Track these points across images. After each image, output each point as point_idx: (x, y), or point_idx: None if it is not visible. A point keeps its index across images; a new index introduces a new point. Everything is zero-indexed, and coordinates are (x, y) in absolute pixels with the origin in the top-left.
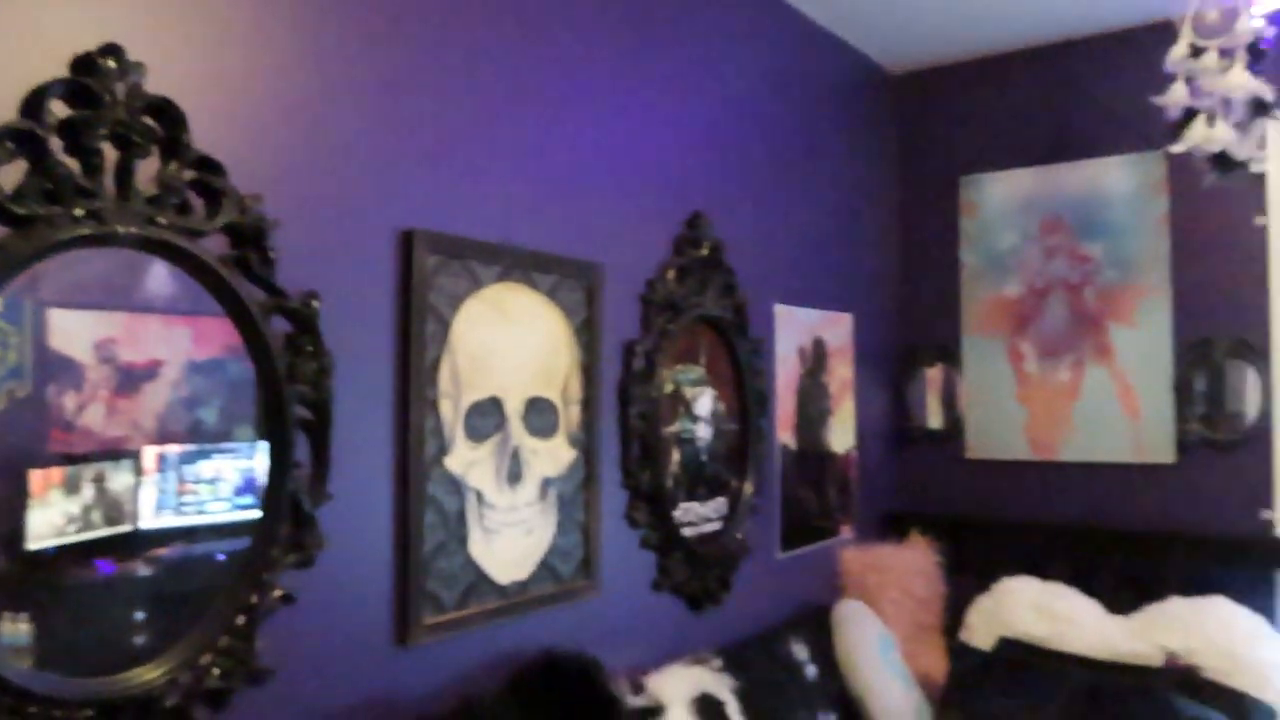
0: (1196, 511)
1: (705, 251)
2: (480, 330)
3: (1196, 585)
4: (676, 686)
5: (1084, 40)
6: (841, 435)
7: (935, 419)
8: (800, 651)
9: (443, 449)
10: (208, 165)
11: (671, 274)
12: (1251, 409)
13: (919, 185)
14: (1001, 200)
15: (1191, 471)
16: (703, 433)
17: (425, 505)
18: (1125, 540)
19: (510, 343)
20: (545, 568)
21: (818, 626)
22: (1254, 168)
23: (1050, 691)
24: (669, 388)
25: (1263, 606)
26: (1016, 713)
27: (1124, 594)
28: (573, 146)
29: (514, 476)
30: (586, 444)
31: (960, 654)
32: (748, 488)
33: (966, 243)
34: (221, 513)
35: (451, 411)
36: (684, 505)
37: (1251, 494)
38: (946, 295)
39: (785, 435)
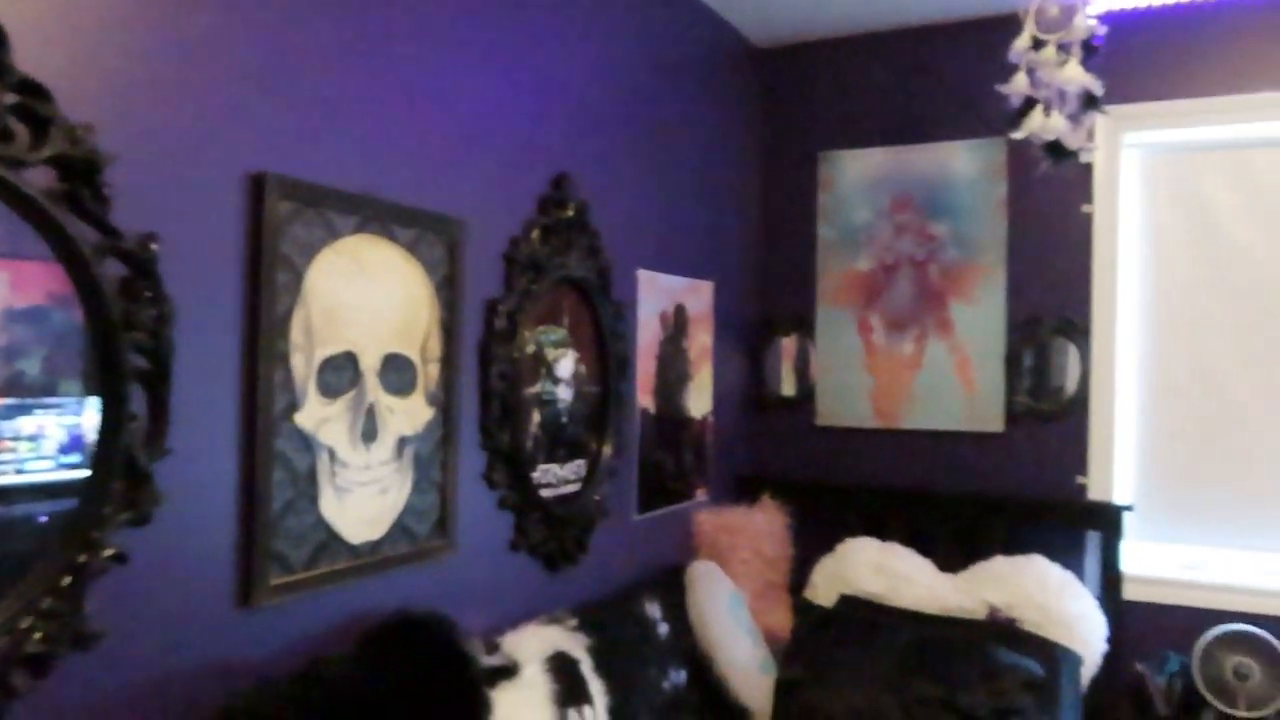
0: (1021, 477)
1: (570, 213)
2: (336, 283)
3: (1018, 545)
4: (531, 646)
5: (938, 26)
6: (699, 400)
7: (789, 387)
8: (654, 610)
9: (293, 404)
10: (32, 89)
11: (536, 234)
12: (1072, 383)
13: (780, 158)
14: (856, 177)
15: (1018, 440)
16: (564, 395)
17: (273, 462)
18: (957, 503)
19: (367, 297)
20: (400, 528)
21: (671, 586)
22: (1083, 158)
23: (885, 644)
24: (531, 348)
25: (1073, 564)
26: (854, 664)
27: (954, 553)
28: (439, 99)
29: (369, 434)
30: (445, 403)
31: (804, 611)
32: (607, 450)
33: (823, 217)
34: (44, 471)
35: (303, 366)
36: (543, 467)
37: (1069, 461)
38: (803, 267)
39: (645, 399)
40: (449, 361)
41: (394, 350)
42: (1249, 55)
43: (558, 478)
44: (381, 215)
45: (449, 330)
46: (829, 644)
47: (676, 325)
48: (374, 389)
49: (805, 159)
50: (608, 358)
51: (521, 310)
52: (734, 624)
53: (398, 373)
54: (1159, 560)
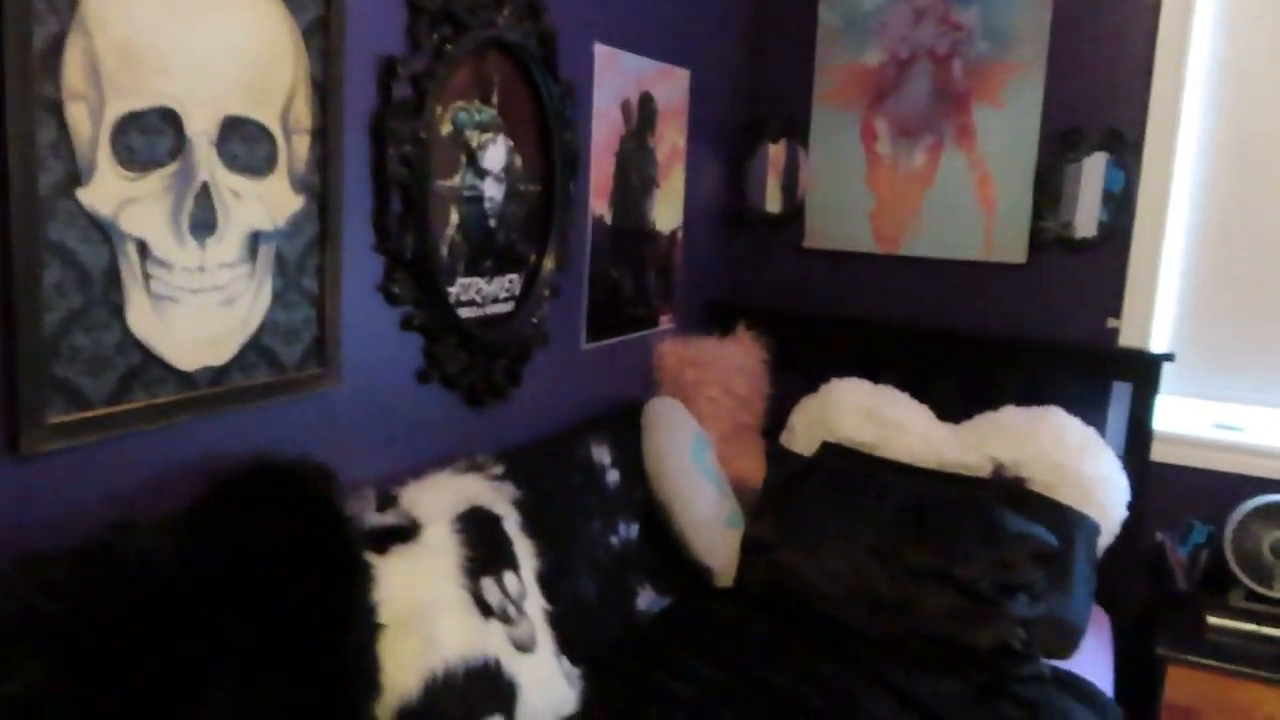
0: (1042, 317)
1: None
2: (138, 7)
3: (1033, 395)
4: (439, 499)
5: None
6: (667, 212)
7: (774, 203)
8: (601, 454)
9: (75, 176)
10: None
11: None
12: (1110, 204)
13: None
14: None
15: (1041, 274)
16: (492, 192)
17: (45, 255)
18: (965, 344)
19: (194, 34)
20: (257, 351)
21: (624, 426)
22: None
23: (872, 502)
24: (446, 129)
25: (1096, 419)
26: (835, 523)
27: (957, 401)
28: None
29: (203, 225)
30: (322, 191)
31: (779, 459)
32: (549, 264)
33: None
34: None
35: (89, 123)
36: (464, 281)
37: (1100, 301)
38: (800, 58)
39: (600, 206)
40: (326, 136)
41: (239, 113)
42: None
43: (484, 295)
44: None
45: (325, 94)
46: (807, 498)
47: (642, 118)
48: (208, 163)
49: None
50: (552, 150)
51: (432, 77)
52: (697, 471)
53: (246, 144)
54: (1192, 418)
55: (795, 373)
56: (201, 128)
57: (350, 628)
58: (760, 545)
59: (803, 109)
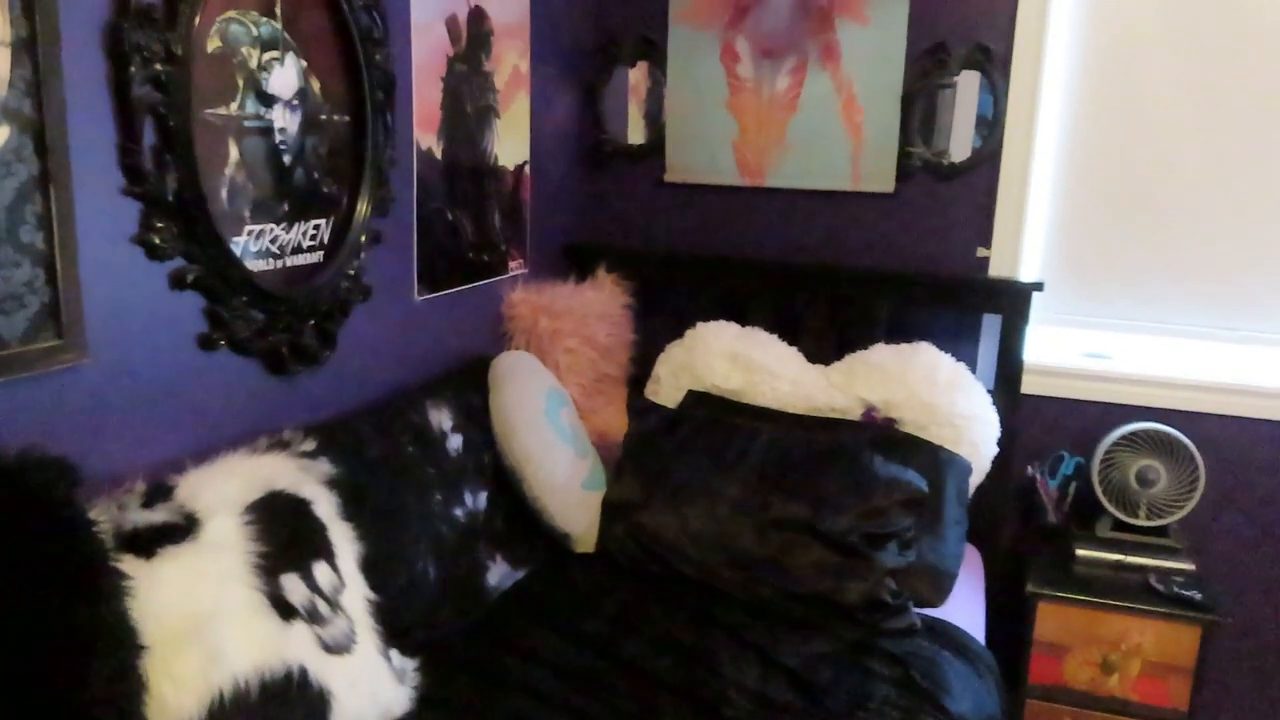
0: (913, 248)
1: None
2: None
3: (902, 331)
4: (225, 487)
5: None
6: (511, 146)
7: (636, 133)
8: (440, 419)
9: None
10: None
11: None
12: (982, 129)
13: None
14: None
15: (910, 203)
16: (284, 122)
17: None
18: (833, 280)
19: None
20: None
21: (468, 386)
22: None
23: (739, 452)
24: (214, 45)
25: (967, 352)
26: (700, 477)
27: (827, 341)
28: None
29: None
30: (37, 120)
31: (641, 412)
32: (364, 207)
33: None
34: None
35: None
36: (253, 228)
37: (971, 229)
38: None
39: (427, 139)
40: (33, 49)
41: None
42: None
43: (283, 244)
44: None
45: None
46: (669, 454)
47: (473, 38)
48: None
49: None
50: (360, 74)
51: None
52: (550, 431)
53: None
54: (1062, 348)
55: (661, 318)
56: None
57: (95, 655)
58: (621, 507)
59: (659, 28)
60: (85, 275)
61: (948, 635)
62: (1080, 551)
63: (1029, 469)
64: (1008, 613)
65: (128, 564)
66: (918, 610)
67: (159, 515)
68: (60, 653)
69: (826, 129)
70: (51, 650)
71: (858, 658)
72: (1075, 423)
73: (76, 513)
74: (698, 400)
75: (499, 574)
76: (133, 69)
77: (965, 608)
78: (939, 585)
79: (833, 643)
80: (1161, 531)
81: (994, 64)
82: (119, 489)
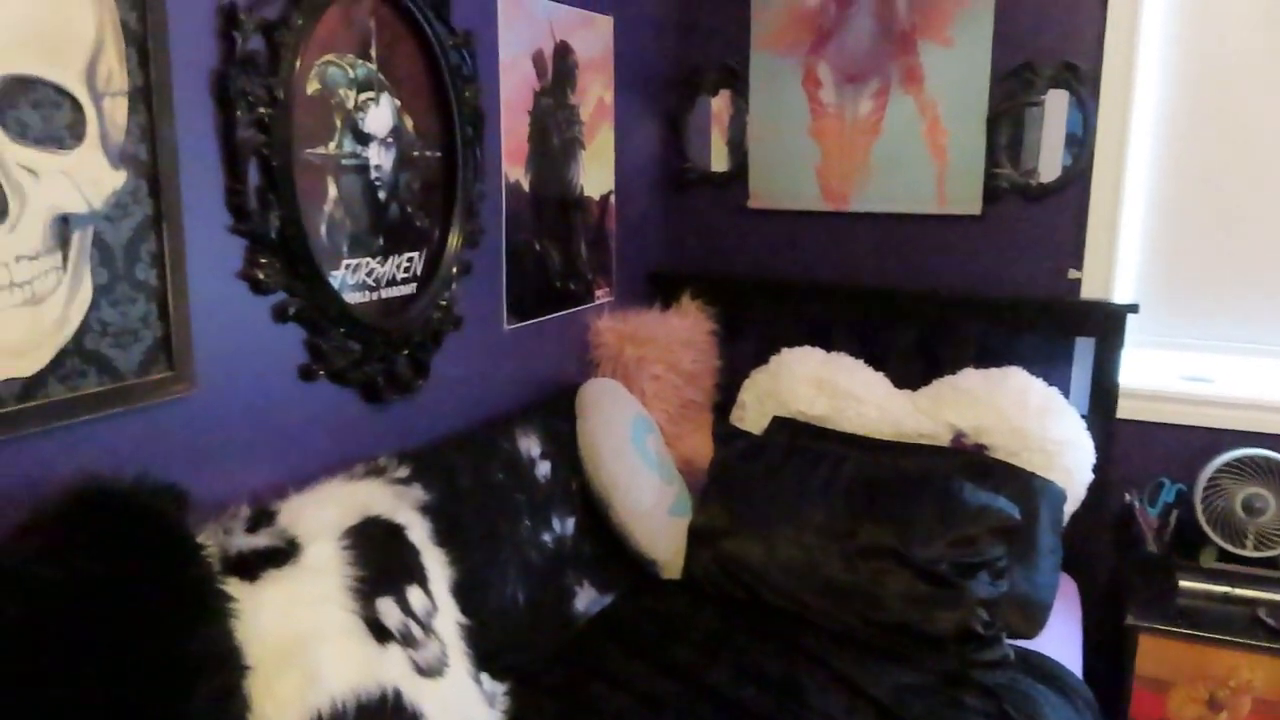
0: (999, 272)
1: None
2: None
3: (992, 355)
4: (325, 513)
5: None
6: (597, 176)
7: (720, 160)
8: (529, 446)
9: None
10: None
11: None
12: (1072, 147)
13: None
14: None
15: (998, 225)
16: (380, 160)
17: None
18: (919, 304)
19: None
20: (81, 356)
21: (555, 414)
22: None
23: (825, 479)
24: (313, 88)
25: (1058, 378)
26: (786, 504)
27: (914, 366)
28: None
29: None
30: (152, 164)
31: (726, 438)
32: (454, 239)
33: None
34: None
35: None
36: (350, 262)
37: (1061, 250)
38: (735, 0)
39: (515, 171)
40: (149, 97)
41: (23, 72)
42: None
43: (378, 277)
44: None
45: (144, 47)
46: (755, 480)
47: (559, 72)
48: None
49: None
50: (451, 111)
51: (287, 27)
52: (637, 457)
53: (39, 110)
54: (1158, 371)
55: (745, 344)
56: None
57: (203, 674)
58: (707, 533)
59: (740, 56)
60: (195, 310)
61: (1043, 668)
62: (1184, 583)
63: (1127, 496)
64: (1106, 646)
65: (233, 586)
66: (1010, 642)
67: (262, 540)
68: (170, 671)
69: (910, 152)
70: (162, 668)
71: (948, 690)
72: (1175, 449)
73: (186, 536)
74: (783, 426)
75: (586, 599)
76: (238, 113)
77: (1061, 640)
78: (1033, 616)
79: (922, 674)
80: (1271, 563)
81: (1082, 82)
82: (225, 514)
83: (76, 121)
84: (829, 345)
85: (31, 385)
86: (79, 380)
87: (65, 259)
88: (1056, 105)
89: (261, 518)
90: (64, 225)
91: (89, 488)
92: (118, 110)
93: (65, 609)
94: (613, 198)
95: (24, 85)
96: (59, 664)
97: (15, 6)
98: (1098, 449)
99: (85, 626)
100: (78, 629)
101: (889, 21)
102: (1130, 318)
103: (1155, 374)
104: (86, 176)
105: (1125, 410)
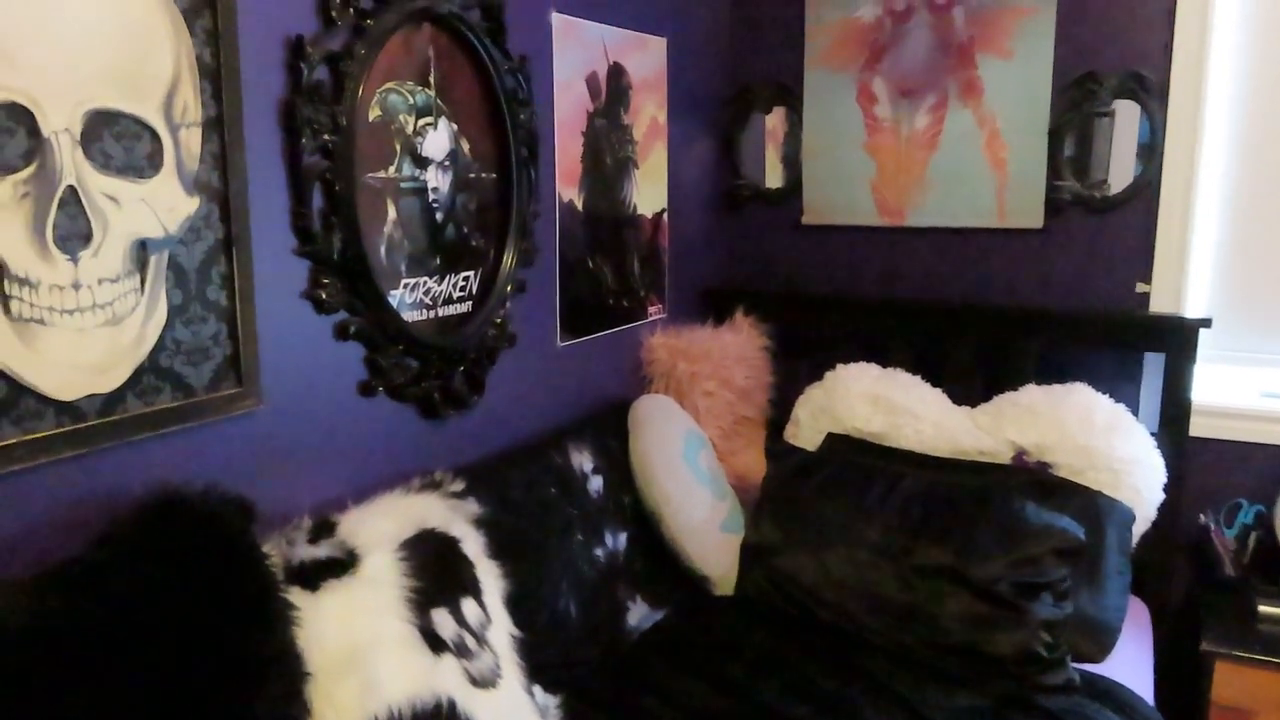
0: (1063, 285)
1: None
2: None
3: (1055, 371)
4: (382, 525)
5: None
6: (650, 195)
7: (774, 177)
8: (582, 461)
9: None
10: None
11: None
12: (1142, 157)
13: None
14: None
15: (1061, 238)
16: (437, 182)
17: None
18: (979, 319)
19: (45, 16)
20: (156, 373)
21: (608, 429)
22: None
23: (880, 496)
24: (375, 115)
25: (1126, 394)
26: (840, 521)
27: (973, 382)
28: None
29: (74, 237)
30: (223, 191)
31: (780, 455)
32: (509, 258)
33: None
34: None
35: None
36: (409, 281)
37: (1128, 263)
38: (788, 19)
39: (569, 191)
40: (221, 128)
41: (108, 106)
42: None
43: (435, 296)
44: None
45: (218, 81)
46: (809, 497)
47: (612, 93)
48: (73, 165)
49: None
50: (506, 133)
51: (351, 57)
52: (689, 473)
53: (121, 142)
54: (1234, 387)
55: (799, 360)
56: (61, 124)
57: (267, 681)
58: (759, 550)
59: (794, 74)
60: (261, 328)
61: (1111, 694)
62: (1264, 608)
63: (1201, 517)
64: (1181, 673)
65: (295, 595)
66: (1076, 665)
67: (323, 550)
68: (235, 675)
69: (969, 166)
70: (227, 672)
71: (1009, 713)
72: (1253, 467)
73: (252, 546)
74: (838, 443)
75: (638, 614)
76: (304, 140)
77: (1131, 665)
78: (1099, 640)
79: (982, 697)
80: None
81: (1149, 91)
82: (288, 525)
83: (155, 151)
84: (885, 362)
85: (111, 401)
86: (154, 396)
87: (143, 281)
88: (1128, 116)
89: (323, 529)
90: (142, 249)
91: (162, 499)
92: (192, 140)
93: (139, 613)
94: (666, 215)
95: (108, 119)
96: (134, 664)
97: (101, 45)
98: (1169, 468)
99: (158, 630)
100: (151, 632)
101: (946, 35)
102: (1203, 332)
103: (1231, 390)
104: (163, 203)
105: (1198, 428)
